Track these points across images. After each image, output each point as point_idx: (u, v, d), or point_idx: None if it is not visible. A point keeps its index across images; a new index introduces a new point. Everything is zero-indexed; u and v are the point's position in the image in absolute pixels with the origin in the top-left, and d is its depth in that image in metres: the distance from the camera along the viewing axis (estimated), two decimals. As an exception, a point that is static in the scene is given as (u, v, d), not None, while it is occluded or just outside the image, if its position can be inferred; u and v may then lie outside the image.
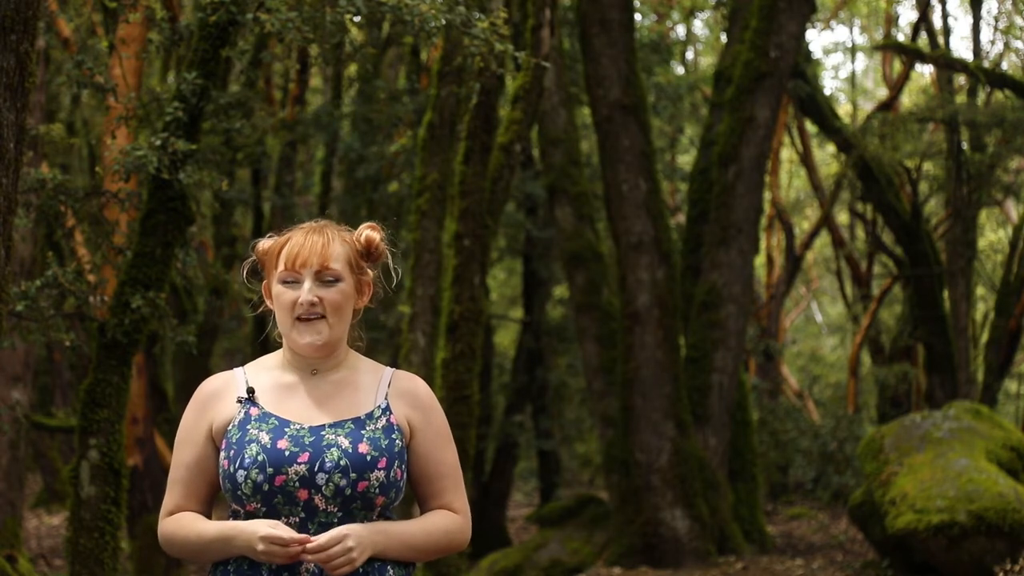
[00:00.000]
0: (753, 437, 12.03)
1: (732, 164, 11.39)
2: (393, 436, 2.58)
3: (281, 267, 2.59)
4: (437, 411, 2.68)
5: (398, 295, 14.28)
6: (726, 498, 11.11)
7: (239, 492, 2.53)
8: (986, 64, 16.34)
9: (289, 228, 2.68)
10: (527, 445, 17.44)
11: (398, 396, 2.64)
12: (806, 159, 18.20)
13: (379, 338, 13.79)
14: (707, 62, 21.41)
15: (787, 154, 20.67)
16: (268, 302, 2.68)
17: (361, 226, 2.70)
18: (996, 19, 18.87)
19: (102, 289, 5.96)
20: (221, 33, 5.24)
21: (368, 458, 2.52)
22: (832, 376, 21.82)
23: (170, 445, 11.49)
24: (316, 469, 2.50)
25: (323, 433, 2.55)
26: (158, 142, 5.29)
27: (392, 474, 2.54)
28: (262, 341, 14.75)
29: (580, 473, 19.83)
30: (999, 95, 15.77)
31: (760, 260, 18.41)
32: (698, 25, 21.93)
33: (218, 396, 2.65)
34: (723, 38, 16.50)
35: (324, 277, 2.58)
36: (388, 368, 2.71)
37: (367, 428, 2.57)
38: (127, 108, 6.37)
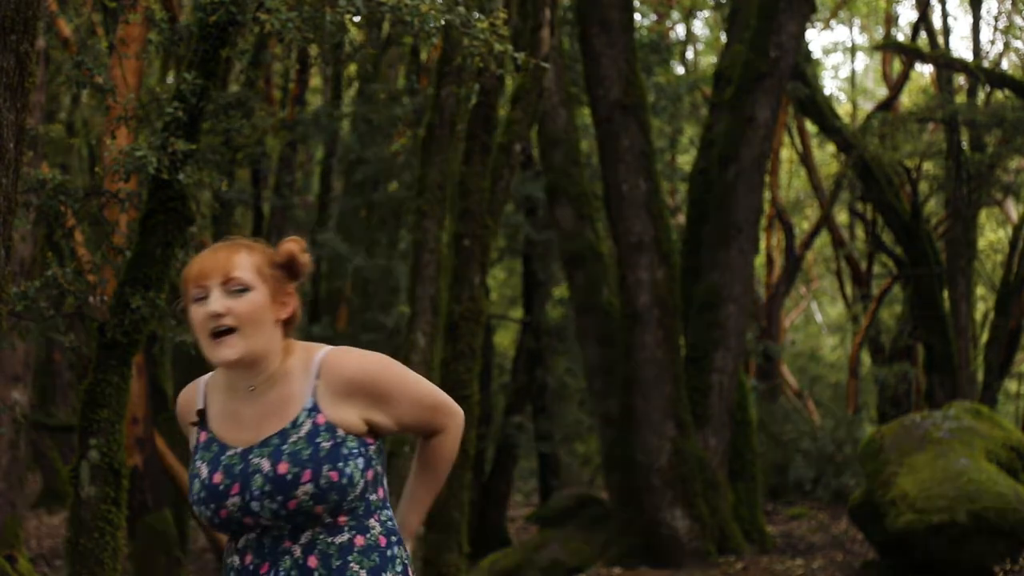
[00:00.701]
0: (753, 437, 12.03)
1: (732, 164, 11.38)
2: (318, 440, 2.48)
3: (190, 286, 2.53)
4: (378, 372, 2.55)
5: (398, 295, 14.29)
6: (726, 498, 11.11)
7: (202, 519, 2.58)
8: (986, 64, 16.34)
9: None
10: (527, 445, 17.44)
11: (327, 387, 2.52)
12: (806, 159, 18.20)
13: (378, 339, 13.79)
14: (707, 62, 21.41)
15: (787, 154, 20.68)
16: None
17: (282, 240, 2.62)
18: (996, 19, 18.87)
19: (102, 289, 5.96)
20: (221, 33, 5.24)
21: (289, 477, 2.45)
22: (832, 376, 21.82)
23: (170, 445, 11.51)
24: (248, 499, 2.48)
25: (250, 457, 2.51)
26: (158, 142, 5.28)
27: (323, 481, 2.45)
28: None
29: (580, 473, 19.83)
30: (999, 95, 15.77)
31: (760, 260, 18.41)
32: (698, 25, 21.95)
33: (186, 410, 2.70)
34: (723, 38, 16.50)
35: (231, 287, 2.49)
36: (319, 354, 2.55)
37: (288, 441, 2.48)
38: (126, 108, 6.37)
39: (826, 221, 18.19)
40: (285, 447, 2.47)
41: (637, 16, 17.40)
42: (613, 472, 11.61)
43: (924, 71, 21.03)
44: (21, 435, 9.68)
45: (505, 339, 22.23)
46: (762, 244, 18.06)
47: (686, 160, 20.04)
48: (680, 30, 20.99)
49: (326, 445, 2.47)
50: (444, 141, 9.32)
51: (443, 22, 5.12)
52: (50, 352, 14.10)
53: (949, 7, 37.75)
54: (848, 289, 19.76)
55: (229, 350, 2.48)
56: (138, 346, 5.49)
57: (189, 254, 5.75)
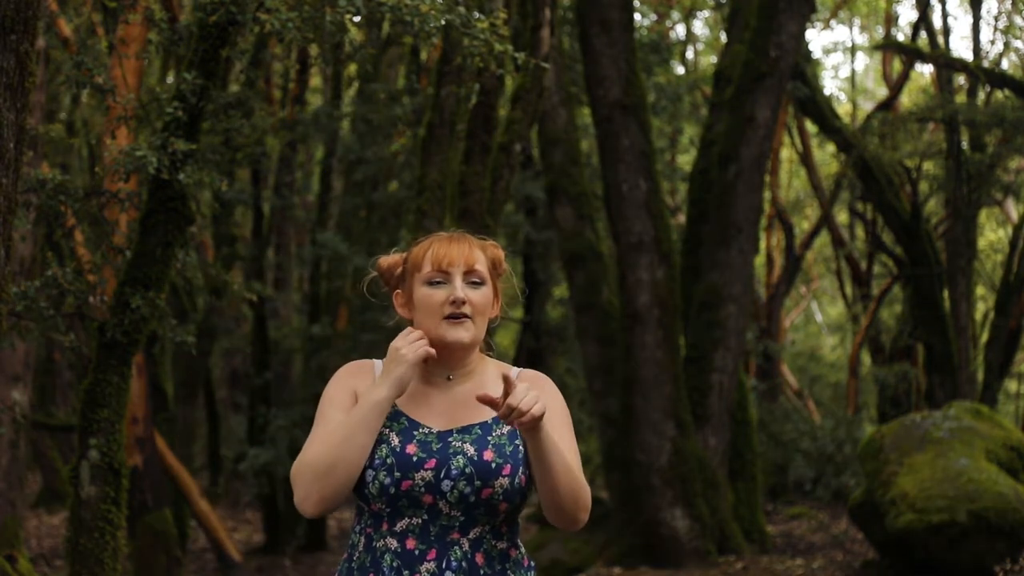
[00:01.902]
0: (753, 437, 12.03)
1: (732, 164, 11.38)
2: (517, 441, 2.59)
3: (428, 268, 2.63)
4: (555, 398, 2.67)
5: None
6: (726, 498, 11.11)
7: (366, 491, 2.56)
8: (986, 64, 16.34)
9: (424, 238, 2.73)
10: (527, 445, 17.41)
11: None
12: (806, 159, 18.20)
13: (379, 339, 13.79)
14: (707, 62, 21.41)
15: (787, 154, 20.68)
16: (402, 311, 2.71)
17: (488, 243, 2.76)
18: (996, 19, 18.87)
19: (102, 289, 5.96)
20: (221, 33, 5.24)
21: (493, 465, 2.54)
22: (832, 376, 21.82)
23: (170, 445, 11.50)
24: (442, 476, 2.53)
25: (450, 439, 2.58)
26: (158, 142, 5.28)
27: (516, 480, 2.56)
28: (263, 341, 14.78)
29: (580, 473, 19.78)
30: (999, 95, 15.77)
31: (760, 260, 18.42)
32: (698, 25, 21.95)
33: (361, 376, 2.68)
34: (723, 38, 16.51)
35: (471, 278, 2.64)
36: (515, 369, 2.71)
37: (493, 434, 2.60)
38: (126, 108, 6.37)
39: (826, 221, 18.19)
40: (490, 438, 2.58)
41: (637, 16, 17.40)
42: (613, 472, 11.61)
43: (924, 71, 21.04)
44: (21, 435, 9.68)
45: (505, 339, 22.24)
46: (762, 244, 18.07)
47: (686, 160, 20.05)
48: (680, 30, 21.00)
49: (523, 449, 2.59)
50: (444, 141, 9.32)
51: (443, 22, 5.13)
52: (50, 352, 14.10)
53: (949, 7, 37.75)
54: (848, 289, 19.76)
55: (466, 332, 2.61)
56: (138, 346, 5.49)
57: (189, 254, 5.75)
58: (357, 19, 5.51)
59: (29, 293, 5.42)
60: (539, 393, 2.47)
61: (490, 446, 2.57)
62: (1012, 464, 9.36)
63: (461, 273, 2.62)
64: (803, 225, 21.98)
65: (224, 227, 15.31)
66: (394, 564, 2.54)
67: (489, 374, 2.70)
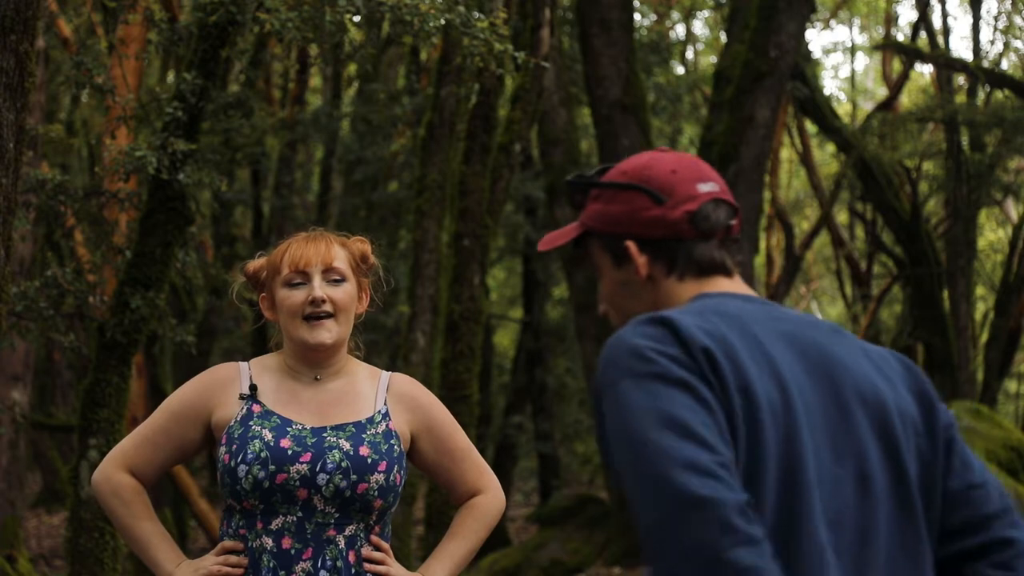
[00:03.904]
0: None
1: (732, 164, 11.38)
2: (392, 441, 2.61)
3: (286, 270, 2.63)
4: (435, 405, 2.73)
5: (398, 295, 14.29)
6: (726, 498, 11.10)
7: (238, 487, 2.53)
8: (986, 64, 16.34)
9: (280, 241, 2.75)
10: (527, 445, 17.44)
11: (396, 401, 2.68)
12: (806, 159, 18.20)
13: (378, 339, 13.80)
14: (707, 62, 21.42)
15: (787, 154, 20.68)
16: (268, 314, 2.72)
17: (352, 239, 2.75)
18: (996, 19, 18.88)
19: (102, 289, 5.96)
20: (221, 33, 5.24)
21: (369, 460, 2.55)
22: (832, 376, 21.79)
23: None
24: (317, 469, 2.52)
25: (324, 435, 2.58)
26: (158, 142, 5.28)
27: (391, 478, 2.57)
28: (262, 341, 14.77)
29: (580, 473, 19.83)
30: (999, 95, 15.77)
31: (760, 260, 18.41)
32: (698, 25, 21.95)
33: (225, 387, 2.66)
34: (723, 38, 16.51)
35: (330, 276, 2.63)
36: (384, 372, 2.74)
37: (367, 432, 2.60)
38: (126, 108, 6.37)
39: (826, 221, 18.18)
40: (365, 436, 2.60)
41: (637, 16, 17.40)
42: (613, 472, 11.60)
43: (924, 71, 21.04)
44: (21, 435, 9.69)
45: (505, 339, 22.24)
46: (762, 244, 18.06)
47: (686, 160, 20.00)
48: (680, 30, 21.01)
49: (397, 448, 2.62)
50: (444, 141, 9.33)
51: (443, 22, 5.13)
52: (50, 352, 14.10)
53: (949, 7, 37.78)
54: (848, 289, 19.76)
55: (327, 333, 2.60)
56: (138, 346, 5.49)
57: (188, 254, 5.75)
58: (357, 19, 5.51)
59: (29, 293, 5.42)
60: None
61: (366, 443, 2.57)
62: (1012, 464, 9.36)
63: (320, 272, 2.61)
64: (803, 225, 21.98)
65: (224, 227, 15.31)
66: (271, 564, 2.52)
67: (359, 374, 2.70)
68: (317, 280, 2.61)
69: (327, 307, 2.60)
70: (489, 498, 2.74)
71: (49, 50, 9.59)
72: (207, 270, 12.49)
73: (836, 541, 1.54)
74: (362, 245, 2.73)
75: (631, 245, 1.75)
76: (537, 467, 17.58)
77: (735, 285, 1.78)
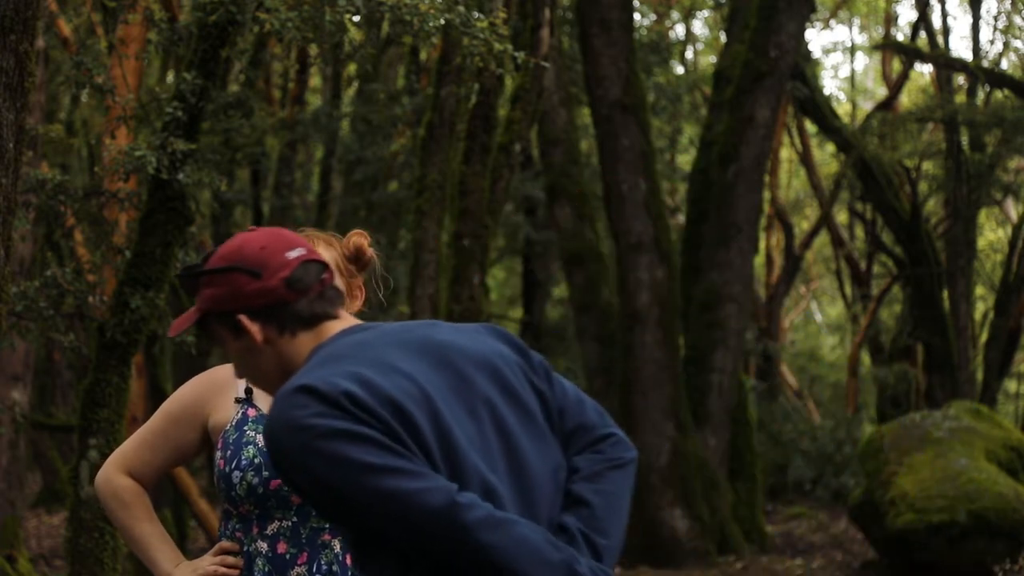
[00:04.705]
0: (753, 437, 12.03)
1: (732, 164, 11.39)
2: None
3: None
4: None
5: (398, 295, 14.28)
6: (726, 498, 11.11)
7: (233, 493, 2.54)
8: (985, 64, 16.34)
9: None
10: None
11: None
12: (806, 159, 18.20)
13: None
14: (707, 62, 21.41)
15: (787, 154, 20.68)
16: None
17: (349, 233, 2.72)
18: (995, 19, 18.88)
19: (101, 289, 5.96)
20: (220, 33, 5.24)
21: None
22: (832, 376, 21.81)
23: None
24: None
25: None
26: (157, 142, 5.28)
27: None
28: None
29: (580, 473, 19.79)
30: (998, 95, 15.77)
31: (760, 260, 18.41)
32: (698, 25, 21.95)
33: (222, 390, 2.66)
34: (723, 38, 16.51)
35: None
36: None
37: None
38: (126, 108, 6.37)
39: (826, 221, 18.19)
40: None
41: (637, 16, 17.40)
42: (613, 472, 11.59)
43: (924, 71, 21.04)
44: (21, 435, 9.69)
45: (505, 339, 22.19)
46: (762, 244, 18.06)
47: (686, 160, 20.04)
48: (680, 30, 21.01)
49: None
50: (444, 141, 9.33)
51: (443, 22, 5.12)
52: (50, 352, 14.10)
53: (949, 7, 37.75)
54: (848, 289, 19.76)
55: None
56: (138, 346, 5.49)
57: (188, 254, 5.75)
58: (357, 19, 5.51)
59: (29, 293, 5.42)
60: None
61: None
62: (1012, 464, 9.36)
63: None
64: (803, 225, 21.97)
65: (224, 227, 15.30)
66: (266, 568, 2.52)
67: None
68: None
69: None
70: None
71: (49, 50, 9.59)
72: (207, 270, 12.44)
73: (499, 479, 1.95)
74: (357, 239, 2.70)
75: (243, 318, 2.05)
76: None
77: (343, 323, 2.11)
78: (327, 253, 2.63)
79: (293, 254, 2.08)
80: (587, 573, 1.94)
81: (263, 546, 2.53)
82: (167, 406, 2.68)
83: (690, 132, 19.01)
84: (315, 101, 18.20)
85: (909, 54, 17.19)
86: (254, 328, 2.06)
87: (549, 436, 2.08)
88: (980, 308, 19.85)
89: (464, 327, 2.14)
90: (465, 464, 1.93)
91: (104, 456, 5.41)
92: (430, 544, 1.87)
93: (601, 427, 2.13)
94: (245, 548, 2.56)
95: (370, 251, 2.71)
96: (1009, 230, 17.60)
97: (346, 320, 2.12)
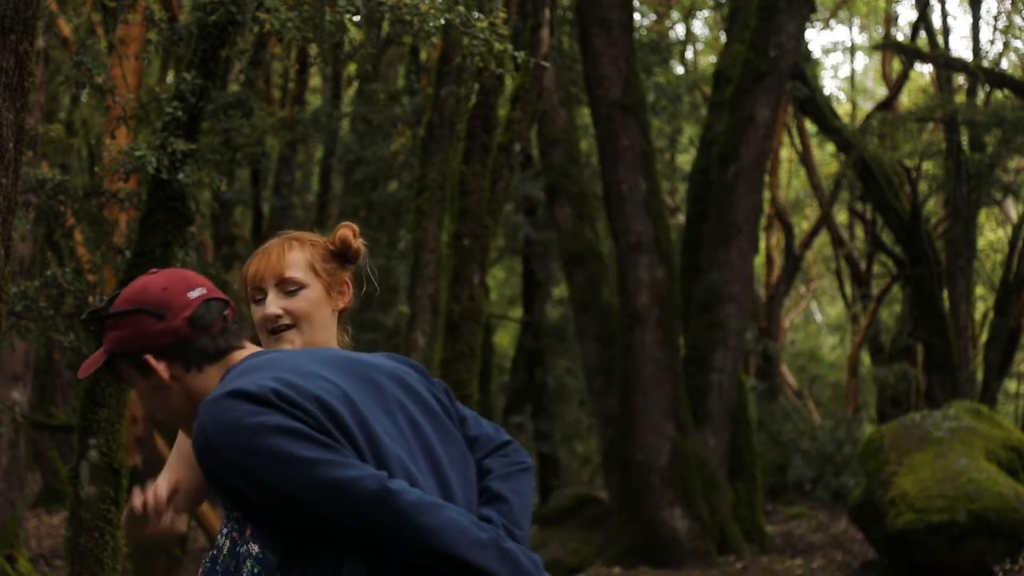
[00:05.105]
0: (753, 437, 12.03)
1: (732, 164, 11.39)
2: None
3: (248, 287, 2.63)
4: None
5: (398, 295, 14.28)
6: (726, 498, 11.11)
7: None
8: (985, 64, 16.34)
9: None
10: (527, 445, 17.41)
11: None
12: (806, 159, 18.21)
13: (378, 339, 13.79)
14: (707, 62, 21.42)
15: (787, 154, 20.68)
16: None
17: (337, 226, 2.71)
18: (995, 18, 18.87)
19: (102, 289, 5.96)
20: (220, 33, 5.24)
21: None
22: (832, 376, 21.82)
23: (170, 444, 11.47)
24: None
25: None
26: (157, 142, 5.28)
27: None
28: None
29: (580, 473, 19.84)
30: (998, 95, 15.77)
31: (760, 260, 18.42)
32: (698, 25, 21.95)
33: None
34: (723, 38, 16.51)
35: (286, 287, 2.60)
36: None
37: None
38: (126, 108, 6.37)
39: (826, 221, 18.19)
40: None
41: (637, 16, 17.40)
42: (613, 472, 11.61)
43: (924, 71, 21.04)
44: (21, 435, 9.68)
45: (505, 339, 22.23)
46: (762, 244, 18.06)
47: (686, 160, 20.04)
48: (680, 30, 21.01)
49: None
50: (444, 141, 9.32)
51: (443, 21, 5.12)
52: (50, 352, 14.10)
53: (949, 7, 37.76)
54: (848, 289, 19.76)
55: (289, 345, 2.60)
56: (138, 346, 5.47)
57: (188, 254, 5.75)
58: (357, 19, 5.50)
59: (29, 293, 5.42)
60: None
61: None
62: (1012, 464, 9.36)
63: (273, 286, 2.60)
64: (803, 225, 21.97)
65: (224, 227, 15.31)
66: (255, 570, 2.50)
67: None
68: (271, 295, 2.59)
69: (285, 320, 2.59)
70: None
71: (49, 50, 9.58)
72: (207, 270, 12.47)
73: (419, 471, 2.08)
74: (343, 231, 2.68)
75: (149, 358, 2.16)
76: (537, 467, 17.59)
77: (249, 350, 2.23)
78: (300, 256, 2.62)
79: (195, 294, 2.18)
80: (514, 548, 2.06)
81: (254, 548, 2.54)
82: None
83: (690, 132, 19.01)
84: (315, 101, 18.20)
85: (909, 54, 17.19)
86: (160, 367, 2.16)
87: (458, 438, 2.23)
88: (980, 308, 19.85)
89: (368, 354, 2.31)
90: (389, 455, 2.05)
91: (103, 455, 5.41)
92: (369, 530, 1.95)
93: (499, 437, 2.29)
94: (237, 548, 2.55)
95: (356, 243, 2.69)
96: (1009, 230, 17.61)
97: (252, 348, 2.24)
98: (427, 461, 2.13)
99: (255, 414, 1.97)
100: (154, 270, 2.28)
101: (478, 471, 2.22)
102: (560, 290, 17.55)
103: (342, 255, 2.69)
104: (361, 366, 2.19)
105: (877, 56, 22.32)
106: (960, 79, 17.13)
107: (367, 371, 2.18)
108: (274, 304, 2.59)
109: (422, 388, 2.24)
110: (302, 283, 2.60)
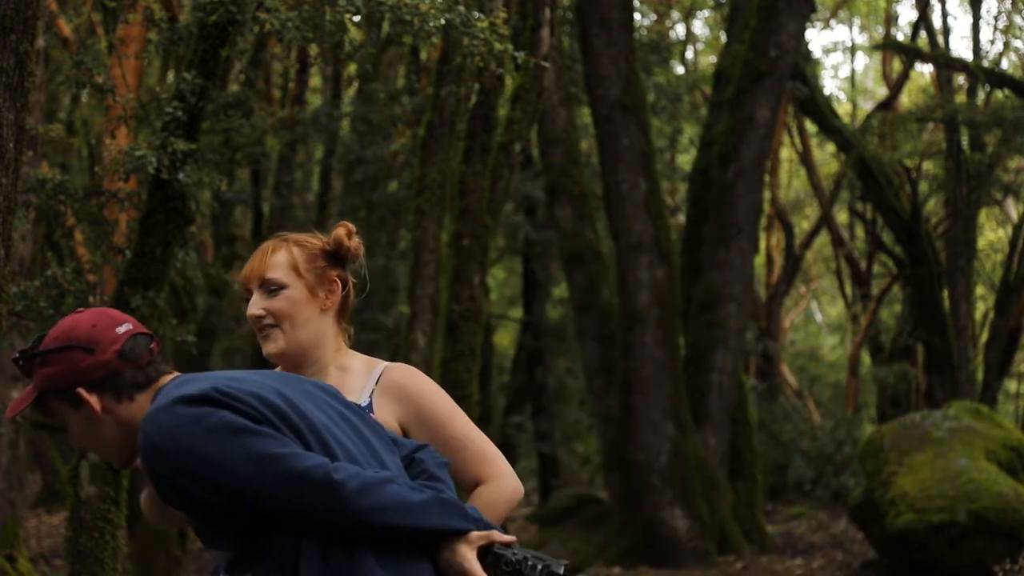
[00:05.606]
0: (753, 437, 12.03)
1: (732, 164, 11.39)
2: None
3: (242, 288, 2.72)
4: (428, 394, 2.68)
5: (398, 295, 14.28)
6: (726, 498, 11.11)
7: None
8: (985, 63, 16.34)
9: None
10: (527, 445, 17.44)
11: (383, 392, 2.64)
12: (806, 159, 18.20)
13: (378, 338, 13.79)
14: (707, 62, 21.42)
15: (787, 154, 20.68)
16: None
17: (335, 225, 2.75)
18: (996, 18, 18.87)
19: (102, 289, 5.96)
20: (221, 33, 5.24)
21: None
22: (832, 376, 21.82)
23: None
24: None
25: None
26: (158, 142, 5.28)
27: None
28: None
29: (580, 473, 19.84)
30: (998, 94, 15.77)
31: (760, 260, 18.41)
32: (698, 25, 21.96)
33: None
34: (723, 38, 16.51)
35: (268, 288, 2.66)
36: (383, 363, 2.72)
37: None
38: (126, 108, 6.37)
39: (826, 221, 18.19)
40: None
41: (637, 16, 17.40)
42: (613, 472, 11.61)
43: (924, 71, 21.04)
44: (21, 435, 9.68)
45: (505, 339, 22.23)
46: (762, 244, 18.06)
47: (686, 160, 20.05)
48: (680, 30, 21.01)
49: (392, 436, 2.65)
50: (444, 141, 9.32)
51: (443, 21, 5.12)
52: (50, 352, 14.07)
53: (949, 7, 37.76)
54: (848, 289, 19.76)
55: (271, 344, 2.68)
56: (138, 346, 5.47)
57: (188, 254, 5.75)
58: (357, 19, 5.50)
59: (29, 293, 5.42)
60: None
61: None
62: (1012, 464, 9.36)
63: (257, 287, 2.67)
64: (803, 225, 21.97)
65: (224, 227, 15.31)
66: None
67: (353, 369, 2.70)
68: (255, 296, 2.66)
69: (267, 320, 2.66)
70: (493, 487, 2.63)
71: (49, 50, 9.58)
72: (207, 270, 12.49)
73: (359, 451, 2.23)
74: (337, 230, 2.72)
75: (81, 391, 2.25)
76: (537, 467, 17.58)
77: (175, 375, 2.34)
78: (283, 257, 2.67)
79: (122, 329, 2.29)
80: (454, 497, 2.24)
81: None
82: None
83: (690, 132, 19.01)
84: (315, 101, 18.20)
85: (909, 54, 17.19)
86: (92, 399, 2.25)
87: (383, 430, 2.39)
88: (980, 308, 19.85)
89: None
90: (330, 440, 2.19)
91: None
92: (321, 515, 2.08)
93: (411, 444, 2.45)
94: None
95: (350, 243, 2.72)
96: (1009, 230, 17.61)
97: (177, 374, 2.35)
98: (364, 445, 2.26)
99: (200, 415, 2.08)
100: (80, 309, 2.37)
101: (407, 464, 2.36)
102: (560, 290, 17.55)
103: (336, 255, 2.71)
104: (290, 377, 2.34)
105: (877, 56, 22.32)
106: (960, 79, 17.12)
107: (297, 380, 2.34)
108: (256, 305, 2.66)
109: (340, 395, 2.39)
110: (282, 284, 2.65)
